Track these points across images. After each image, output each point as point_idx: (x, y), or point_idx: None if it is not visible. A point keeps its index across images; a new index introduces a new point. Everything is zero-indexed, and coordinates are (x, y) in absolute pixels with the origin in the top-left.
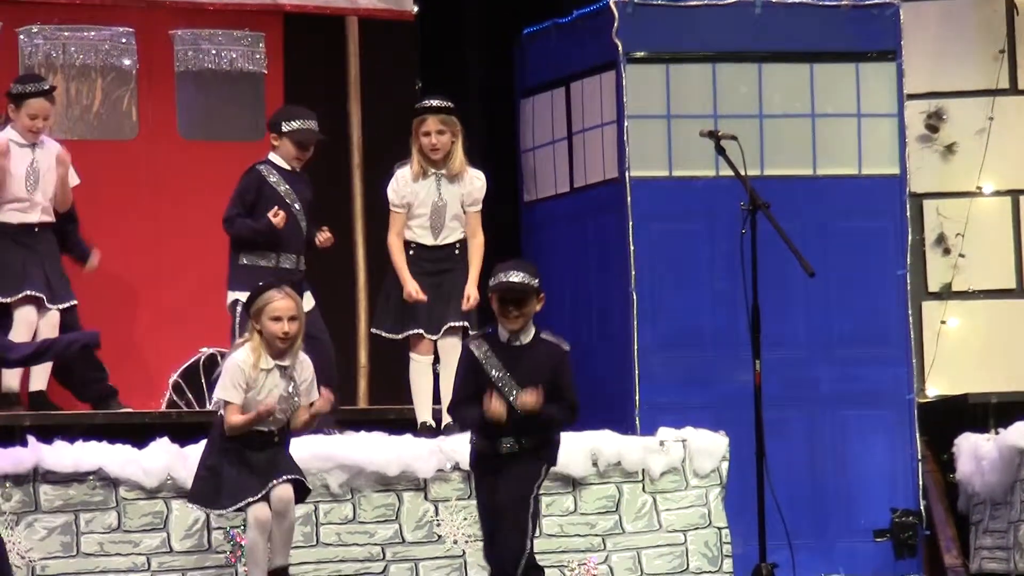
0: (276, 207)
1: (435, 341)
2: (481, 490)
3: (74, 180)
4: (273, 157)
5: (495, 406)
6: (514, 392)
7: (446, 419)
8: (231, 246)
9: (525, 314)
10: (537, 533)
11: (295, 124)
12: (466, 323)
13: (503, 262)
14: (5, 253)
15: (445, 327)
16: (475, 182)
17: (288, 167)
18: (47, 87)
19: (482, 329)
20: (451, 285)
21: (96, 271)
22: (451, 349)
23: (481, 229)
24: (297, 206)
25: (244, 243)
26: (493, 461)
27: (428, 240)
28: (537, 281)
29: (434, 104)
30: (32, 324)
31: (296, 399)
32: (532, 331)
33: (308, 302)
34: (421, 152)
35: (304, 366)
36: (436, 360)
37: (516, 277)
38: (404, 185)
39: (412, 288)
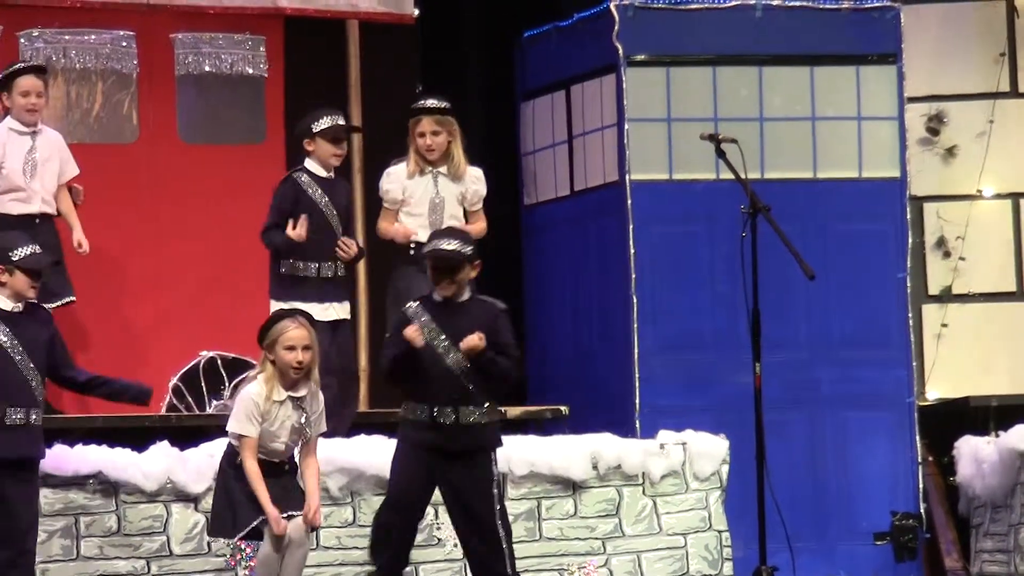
0: (303, 215)
1: None
2: (407, 465)
3: (74, 170)
4: (309, 164)
5: (412, 331)
6: (450, 351)
7: None
8: (271, 255)
9: (458, 282)
10: (537, 536)
11: (324, 122)
12: None
13: (439, 230)
14: None
15: None
16: (475, 182)
17: (324, 173)
18: (33, 64)
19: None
20: None
21: (97, 273)
22: None
23: (483, 225)
24: (334, 213)
25: (283, 252)
26: (429, 437)
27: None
28: (471, 249)
29: (429, 104)
30: None
31: (308, 430)
32: (468, 293)
33: (344, 312)
34: (417, 152)
35: (316, 397)
36: None
37: (449, 245)
38: (393, 181)
39: (405, 229)
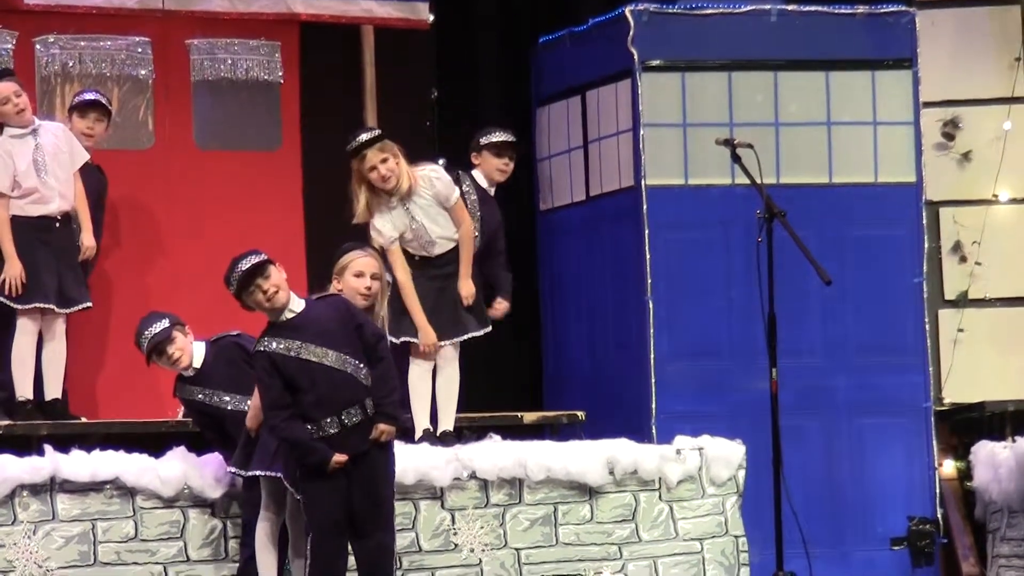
0: None
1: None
2: (326, 490)
3: (83, 155)
4: (476, 174)
5: (338, 459)
6: (328, 355)
7: (442, 426)
8: None
9: (277, 284)
10: (554, 541)
11: (496, 137)
12: (487, 329)
13: (234, 258)
14: (24, 254)
15: (465, 336)
16: (435, 183)
17: (486, 184)
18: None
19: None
20: (456, 290)
21: (113, 279)
22: (453, 358)
23: (467, 217)
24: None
25: None
26: (342, 447)
27: (423, 254)
28: (264, 255)
29: (366, 138)
30: (34, 334)
31: None
32: (299, 299)
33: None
34: (371, 189)
35: None
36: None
37: (249, 261)
38: (384, 224)
39: (431, 339)
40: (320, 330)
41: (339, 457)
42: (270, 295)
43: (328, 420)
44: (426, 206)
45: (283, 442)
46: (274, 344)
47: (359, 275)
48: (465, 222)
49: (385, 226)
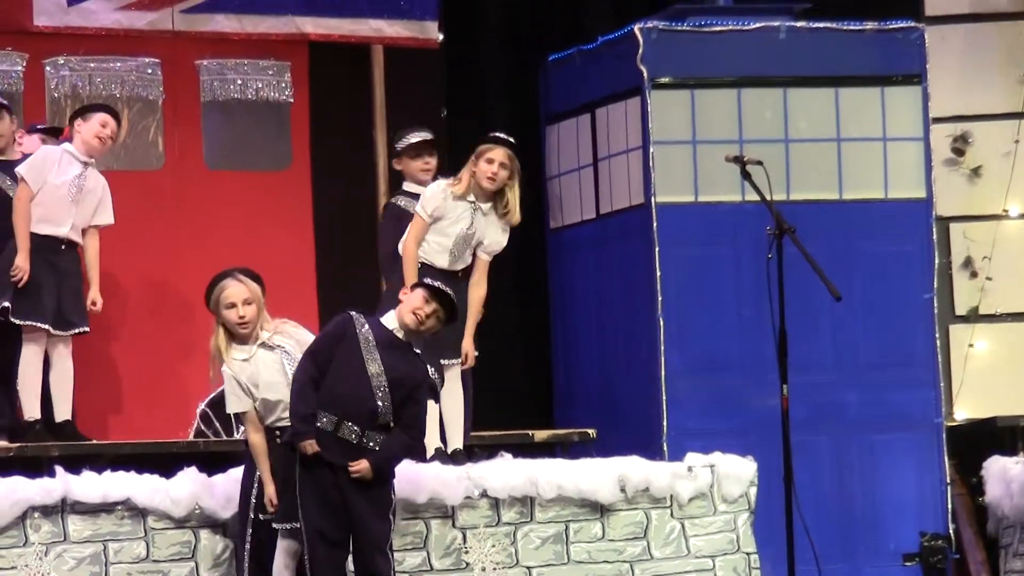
0: None
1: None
2: (315, 494)
3: (108, 219)
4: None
5: (310, 444)
6: (375, 377)
7: (452, 444)
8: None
9: (427, 331)
10: (565, 559)
11: (412, 138)
12: (469, 357)
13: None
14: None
15: (441, 361)
16: (506, 232)
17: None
18: (114, 108)
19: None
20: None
21: (124, 299)
22: (455, 377)
23: (485, 280)
24: None
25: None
26: (328, 450)
27: (442, 264)
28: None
29: (511, 140)
30: (40, 354)
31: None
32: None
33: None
34: (474, 177)
35: (290, 335)
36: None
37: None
38: (444, 197)
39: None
40: (394, 356)
41: (311, 444)
42: (422, 316)
43: (328, 416)
44: (487, 228)
45: (294, 385)
46: (363, 326)
47: (231, 306)
48: (484, 284)
49: (438, 203)
